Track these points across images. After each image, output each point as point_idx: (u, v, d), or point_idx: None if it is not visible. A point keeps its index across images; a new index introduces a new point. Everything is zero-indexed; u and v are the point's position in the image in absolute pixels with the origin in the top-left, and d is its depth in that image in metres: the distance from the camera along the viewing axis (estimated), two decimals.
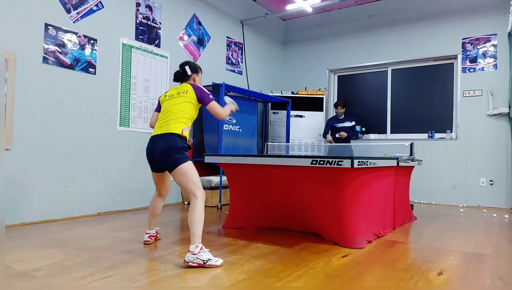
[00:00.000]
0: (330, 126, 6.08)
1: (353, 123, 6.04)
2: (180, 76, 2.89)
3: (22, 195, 3.60)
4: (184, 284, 2.06)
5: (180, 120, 2.63)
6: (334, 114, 6.21)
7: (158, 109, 2.86)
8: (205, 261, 2.30)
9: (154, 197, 2.95)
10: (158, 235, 3.07)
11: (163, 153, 2.55)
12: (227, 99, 2.97)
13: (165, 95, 2.80)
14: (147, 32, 4.90)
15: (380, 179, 3.42)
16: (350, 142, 5.99)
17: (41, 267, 2.31)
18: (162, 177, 2.84)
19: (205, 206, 5.11)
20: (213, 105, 2.73)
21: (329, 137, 5.98)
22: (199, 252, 2.31)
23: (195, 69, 2.91)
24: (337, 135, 5.89)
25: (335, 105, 6.03)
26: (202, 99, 2.72)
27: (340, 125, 5.98)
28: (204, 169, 5.57)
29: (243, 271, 2.30)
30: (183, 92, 2.70)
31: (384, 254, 2.79)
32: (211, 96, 2.74)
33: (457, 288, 2.13)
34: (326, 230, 3.15)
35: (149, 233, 2.97)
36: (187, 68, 2.87)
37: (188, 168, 2.52)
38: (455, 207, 5.61)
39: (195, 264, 2.30)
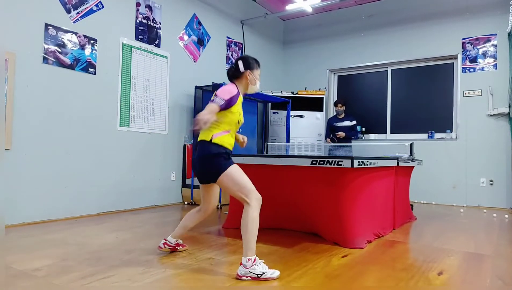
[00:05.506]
0: (330, 126, 6.08)
1: (354, 122, 6.03)
2: (233, 74, 2.43)
3: (22, 195, 3.60)
4: (184, 284, 2.06)
5: (212, 125, 2.29)
6: (334, 113, 6.21)
7: None
8: (259, 275, 2.09)
9: (195, 209, 2.58)
10: (177, 248, 2.67)
11: (201, 164, 2.31)
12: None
13: None
14: (147, 32, 4.90)
15: (380, 179, 3.42)
16: (351, 142, 5.99)
17: (41, 267, 2.31)
18: (210, 189, 2.49)
19: None
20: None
21: (328, 140, 6.02)
22: (252, 266, 2.10)
23: (249, 64, 2.40)
24: (336, 134, 5.89)
25: (335, 103, 6.04)
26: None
27: (339, 124, 5.98)
28: None
29: None
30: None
31: (384, 254, 2.79)
32: (212, 98, 2.35)
33: (457, 288, 2.13)
34: (326, 230, 3.15)
35: (166, 241, 2.61)
36: (240, 63, 2.39)
37: (232, 172, 2.23)
38: (455, 207, 5.61)
39: (249, 278, 2.10)
